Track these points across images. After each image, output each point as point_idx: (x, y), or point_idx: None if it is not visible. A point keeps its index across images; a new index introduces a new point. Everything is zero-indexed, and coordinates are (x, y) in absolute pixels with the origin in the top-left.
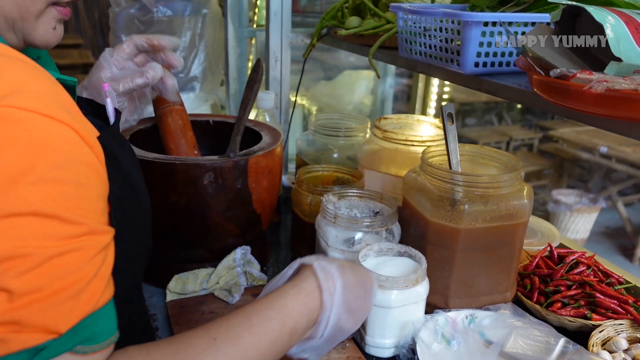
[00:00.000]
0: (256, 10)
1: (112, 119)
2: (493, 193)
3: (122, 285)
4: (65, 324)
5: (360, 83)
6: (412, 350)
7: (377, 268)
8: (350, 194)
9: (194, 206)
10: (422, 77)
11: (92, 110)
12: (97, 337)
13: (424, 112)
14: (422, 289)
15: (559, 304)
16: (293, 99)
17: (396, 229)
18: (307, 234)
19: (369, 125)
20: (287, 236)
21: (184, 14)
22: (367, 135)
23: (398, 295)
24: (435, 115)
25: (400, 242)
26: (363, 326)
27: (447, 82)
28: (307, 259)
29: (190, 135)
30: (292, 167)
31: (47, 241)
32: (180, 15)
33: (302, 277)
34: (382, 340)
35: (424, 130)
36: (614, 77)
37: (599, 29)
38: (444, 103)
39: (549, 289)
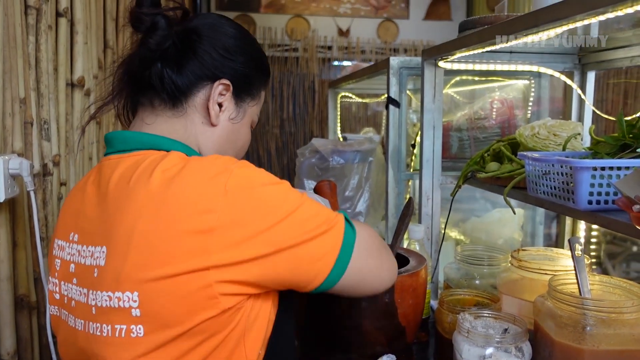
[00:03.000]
0: (413, 157)
1: None
2: (616, 318)
3: None
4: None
5: (510, 220)
6: None
7: None
8: (485, 314)
9: (351, 316)
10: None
11: None
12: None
13: None
14: None
15: None
16: (444, 231)
17: (526, 348)
18: (446, 349)
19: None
20: (433, 354)
21: (353, 162)
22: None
23: None
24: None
25: None
26: None
27: None
28: None
29: None
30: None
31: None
32: (351, 163)
33: None
34: None
35: (561, 262)
36: None
37: None
38: (570, 237)
39: None
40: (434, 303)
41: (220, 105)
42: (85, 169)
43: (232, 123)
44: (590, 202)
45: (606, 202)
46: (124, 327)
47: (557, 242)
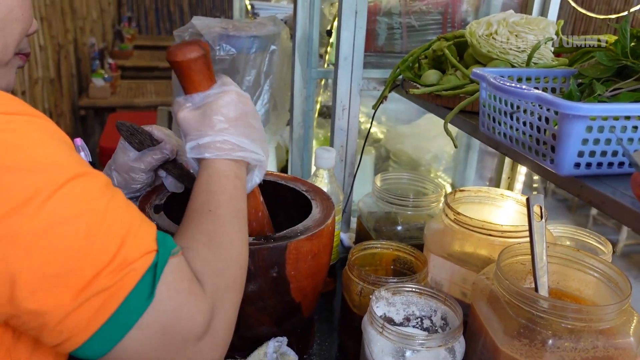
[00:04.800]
0: (328, 48)
1: None
2: (588, 328)
3: None
4: (153, 243)
5: (442, 129)
6: None
7: None
8: (407, 288)
9: None
10: None
11: None
12: (173, 244)
13: (513, 172)
14: None
15: None
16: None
17: (459, 346)
18: (354, 326)
19: (443, 194)
20: (338, 313)
21: (249, 51)
22: (440, 205)
23: None
24: (524, 191)
25: None
26: None
27: None
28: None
29: None
30: (354, 221)
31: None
32: (246, 53)
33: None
34: None
35: (508, 209)
36: None
37: None
38: (533, 193)
39: None
40: (345, 237)
41: None
42: None
43: None
44: (577, 165)
45: (599, 164)
46: None
47: (498, 160)
